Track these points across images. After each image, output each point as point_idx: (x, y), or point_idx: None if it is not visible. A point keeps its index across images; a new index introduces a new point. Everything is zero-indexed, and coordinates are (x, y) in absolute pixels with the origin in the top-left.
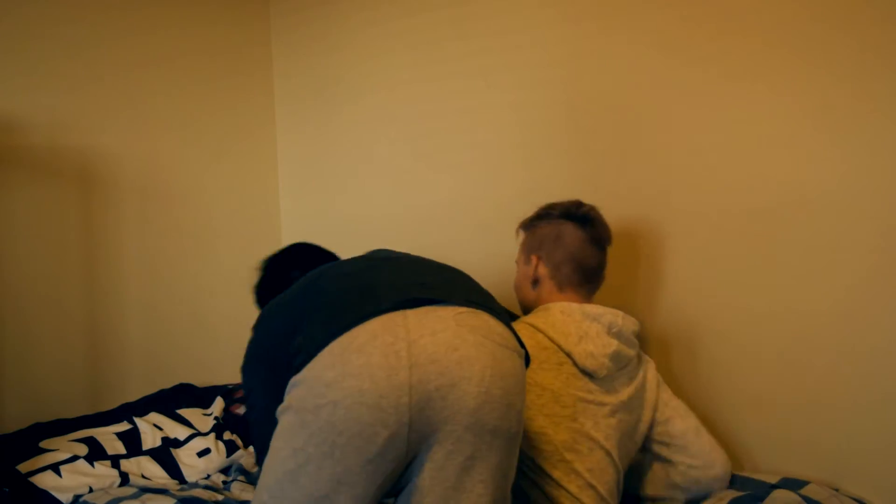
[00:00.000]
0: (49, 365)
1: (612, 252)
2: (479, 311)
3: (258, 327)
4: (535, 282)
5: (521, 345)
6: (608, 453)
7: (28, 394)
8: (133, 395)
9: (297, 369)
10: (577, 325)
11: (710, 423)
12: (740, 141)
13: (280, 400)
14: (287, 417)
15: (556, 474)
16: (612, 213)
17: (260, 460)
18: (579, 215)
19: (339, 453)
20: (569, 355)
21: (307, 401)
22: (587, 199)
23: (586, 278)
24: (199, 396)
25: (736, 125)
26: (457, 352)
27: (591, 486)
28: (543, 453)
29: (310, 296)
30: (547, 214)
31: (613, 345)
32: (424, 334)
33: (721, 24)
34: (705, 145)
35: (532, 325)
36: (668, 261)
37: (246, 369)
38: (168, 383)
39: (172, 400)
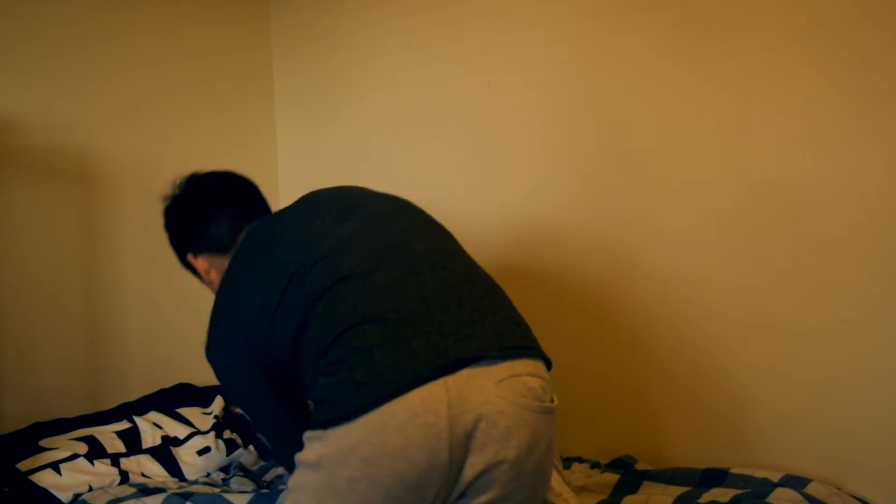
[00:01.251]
0: (49, 364)
1: (610, 251)
2: (516, 367)
3: (230, 319)
4: None
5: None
6: None
7: (28, 393)
8: (133, 395)
9: (323, 424)
10: None
11: (711, 419)
12: (741, 142)
13: (295, 401)
14: (315, 476)
15: None
16: (611, 212)
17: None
18: None
19: None
20: None
21: (340, 469)
22: (587, 199)
23: None
24: (198, 395)
25: (737, 126)
26: (495, 429)
27: None
28: None
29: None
30: None
31: None
32: (465, 411)
33: (721, 26)
34: (706, 145)
35: None
36: (668, 260)
37: (235, 379)
38: (168, 383)
39: (172, 399)
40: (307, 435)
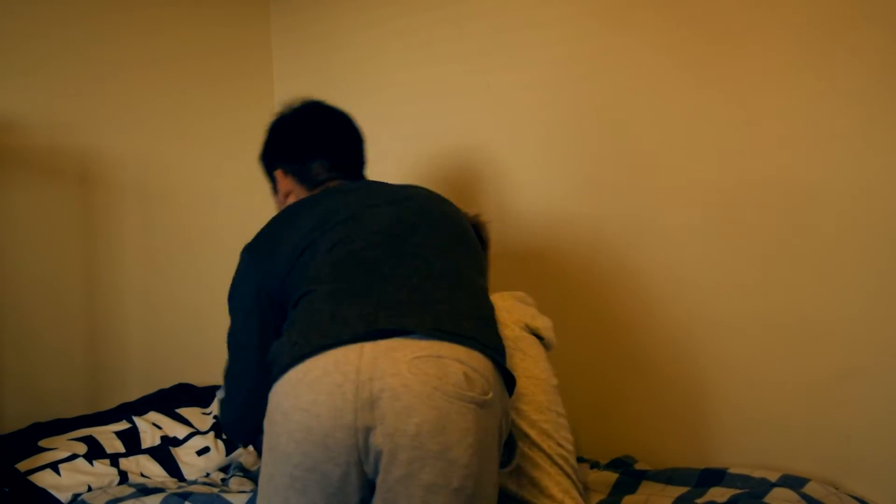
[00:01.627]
0: (49, 364)
1: (611, 252)
2: (443, 350)
3: (261, 252)
4: None
5: (507, 380)
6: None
7: (28, 393)
8: (133, 395)
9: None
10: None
11: (711, 415)
12: (742, 141)
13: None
14: (264, 436)
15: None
16: (611, 212)
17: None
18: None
19: (300, 485)
20: (535, 333)
21: (272, 424)
22: (586, 199)
23: None
24: (197, 396)
25: (737, 125)
26: (398, 402)
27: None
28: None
29: (316, 263)
30: None
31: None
32: (374, 377)
33: (722, 24)
34: (706, 145)
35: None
36: (667, 260)
37: (237, 294)
38: (168, 383)
39: (171, 399)
40: None
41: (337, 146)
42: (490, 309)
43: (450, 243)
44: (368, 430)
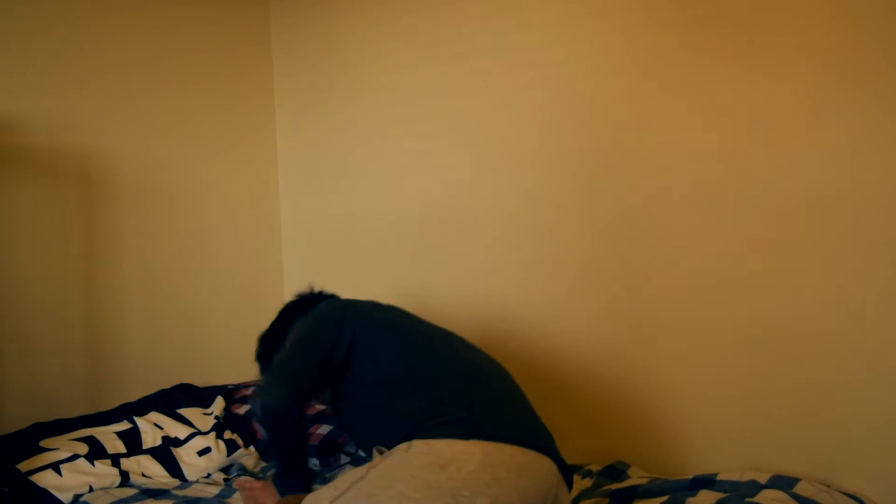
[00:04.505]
0: (49, 364)
1: (609, 251)
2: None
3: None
4: None
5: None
6: None
7: (28, 394)
8: (132, 396)
9: (458, 432)
10: None
11: (710, 420)
12: (743, 141)
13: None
14: (434, 475)
15: None
16: (610, 212)
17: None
18: None
19: None
20: None
21: (469, 476)
22: (585, 199)
23: None
24: (199, 396)
25: (738, 125)
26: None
27: None
28: None
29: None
30: None
31: None
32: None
33: (724, 22)
34: (706, 145)
35: None
36: (666, 260)
37: (326, 325)
38: (167, 384)
39: (172, 400)
40: None
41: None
42: None
43: None
44: None
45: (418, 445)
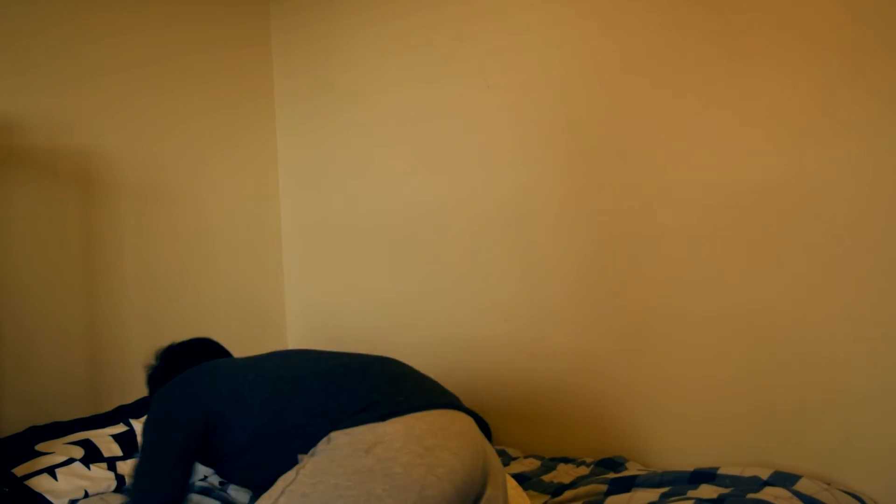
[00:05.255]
0: (46, 367)
1: (610, 249)
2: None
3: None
4: None
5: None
6: None
7: (25, 396)
8: (132, 397)
9: (372, 417)
10: None
11: (708, 420)
12: (740, 142)
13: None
14: (362, 460)
15: None
16: (609, 212)
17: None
18: None
19: None
20: None
21: (398, 453)
22: (585, 199)
23: None
24: None
25: (735, 125)
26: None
27: None
28: None
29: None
30: None
31: None
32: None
33: (722, 23)
34: (704, 145)
35: None
36: (665, 259)
37: (167, 423)
38: None
39: None
40: None
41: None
42: None
43: None
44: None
45: (338, 436)
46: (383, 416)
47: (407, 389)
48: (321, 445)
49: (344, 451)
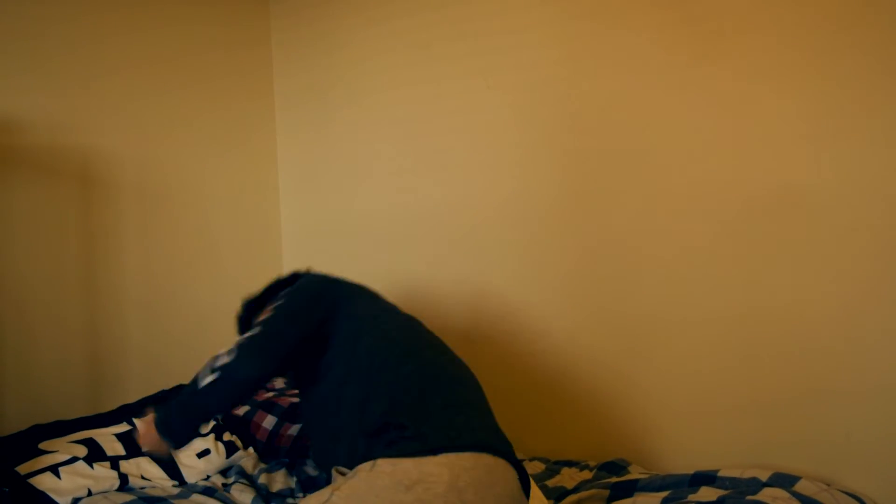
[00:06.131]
0: (48, 365)
1: (610, 248)
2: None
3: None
4: None
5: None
6: None
7: (28, 395)
8: (133, 396)
9: (423, 450)
10: None
11: (707, 419)
12: (740, 141)
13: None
14: (402, 496)
15: None
16: (609, 212)
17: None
18: None
19: None
20: None
21: (437, 500)
22: (584, 199)
23: None
24: None
25: (735, 125)
26: None
27: None
28: None
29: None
30: None
31: None
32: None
33: (722, 25)
34: (703, 145)
35: None
36: (665, 260)
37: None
38: (168, 384)
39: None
40: None
41: None
42: None
43: None
44: None
45: (382, 465)
46: (434, 451)
47: (463, 422)
48: (364, 469)
49: (385, 481)
